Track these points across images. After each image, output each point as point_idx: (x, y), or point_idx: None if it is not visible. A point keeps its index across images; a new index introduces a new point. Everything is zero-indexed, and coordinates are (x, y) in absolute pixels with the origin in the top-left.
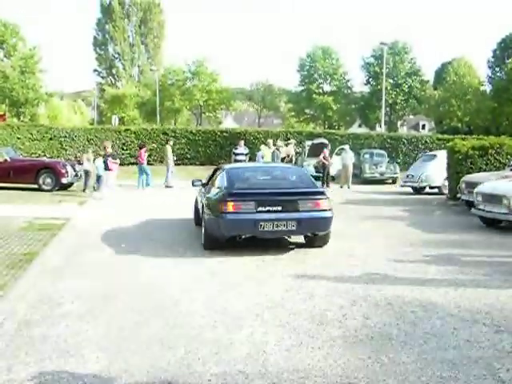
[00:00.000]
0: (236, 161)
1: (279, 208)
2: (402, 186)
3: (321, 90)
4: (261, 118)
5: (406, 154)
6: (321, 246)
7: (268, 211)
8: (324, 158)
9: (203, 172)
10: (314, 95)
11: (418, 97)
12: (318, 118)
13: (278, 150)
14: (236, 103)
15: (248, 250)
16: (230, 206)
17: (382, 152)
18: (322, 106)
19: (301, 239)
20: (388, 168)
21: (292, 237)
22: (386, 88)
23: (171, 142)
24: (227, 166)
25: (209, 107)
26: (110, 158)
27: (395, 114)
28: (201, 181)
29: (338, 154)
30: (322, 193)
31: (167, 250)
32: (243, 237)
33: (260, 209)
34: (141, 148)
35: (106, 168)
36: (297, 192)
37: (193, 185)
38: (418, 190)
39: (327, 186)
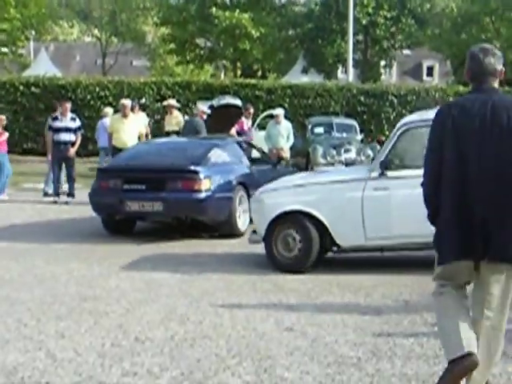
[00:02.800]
0: (56, 143)
1: (144, 186)
2: None
3: (227, 1)
4: (107, 55)
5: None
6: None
7: (133, 190)
8: (239, 134)
9: None
10: (213, 9)
11: (419, 13)
12: (221, 57)
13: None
14: (59, 26)
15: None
16: (99, 183)
17: (351, 122)
18: (231, 31)
19: None
20: (362, 154)
21: None
22: None
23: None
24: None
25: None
26: None
27: (374, 48)
28: None
29: (261, 128)
30: (194, 171)
31: None
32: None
33: (125, 187)
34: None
35: None
36: (165, 169)
37: None
38: None
39: None
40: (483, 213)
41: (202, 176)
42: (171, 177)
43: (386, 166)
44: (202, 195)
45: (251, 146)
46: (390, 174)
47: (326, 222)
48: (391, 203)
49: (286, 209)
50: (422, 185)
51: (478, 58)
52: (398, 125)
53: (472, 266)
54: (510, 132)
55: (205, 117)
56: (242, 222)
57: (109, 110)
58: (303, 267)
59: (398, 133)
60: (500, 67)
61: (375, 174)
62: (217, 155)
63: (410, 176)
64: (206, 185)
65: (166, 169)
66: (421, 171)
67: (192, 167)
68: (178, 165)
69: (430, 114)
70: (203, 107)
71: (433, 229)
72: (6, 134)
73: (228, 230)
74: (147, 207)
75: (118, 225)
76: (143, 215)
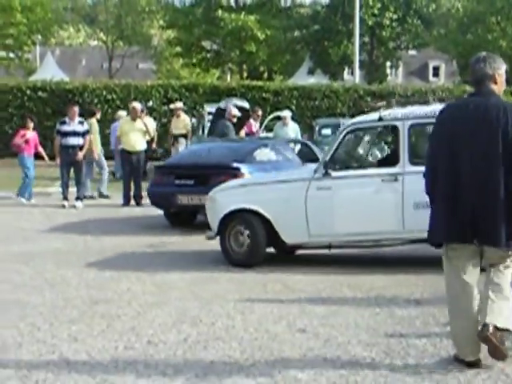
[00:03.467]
0: (64, 147)
1: (192, 182)
2: None
3: (233, 3)
4: (113, 59)
5: None
6: None
7: (184, 185)
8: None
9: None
10: (219, 12)
11: (424, 13)
12: (227, 60)
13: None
14: (64, 30)
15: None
16: (155, 179)
17: None
18: (237, 34)
19: None
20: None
21: None
22: None
23: (98, 115)
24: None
25: (6, 40)
26: None
27: (380, 49)
28: None
29: (269, 130)
30: (237, 168)
31: None
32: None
33: (177, 182)
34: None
35: None
36: (211, 166)
37: None
38: None
39: None
40: (473, 202)
41: (243, 172)
42: (216, 173)
43: (329, 166)
44: None
45: (308, 146)
46: (333, 174)
47: (271, 220)
48: (334, 202)
49: (236, 207)
50: (424, 176)
51: (471, 65)
52: (343, 126)
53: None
54: (497, 128)
55: (235, 120)
56: None
57: (122, 113)
58: (253, 262)
59: (343, 134)
60: (493, 72)
61: (319, 174)
62: (263, 154)
63: (352, 176)
64: None
65: (211, 166)
66: (363, 171)
67: (234, 164)
68: (222, 162)
69: (374, 116)
70: (234, 110)
71: (374, 227)
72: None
73: None
74: (195, 200)
75: (178, 217)
76: (192, 208)
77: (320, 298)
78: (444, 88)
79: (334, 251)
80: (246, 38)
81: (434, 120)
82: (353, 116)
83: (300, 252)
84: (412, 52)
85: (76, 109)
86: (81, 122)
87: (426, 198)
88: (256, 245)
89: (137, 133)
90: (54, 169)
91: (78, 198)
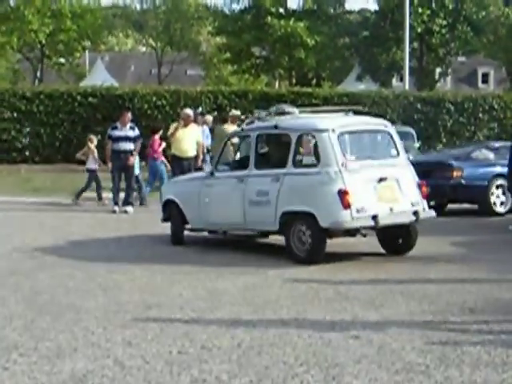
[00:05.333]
0: (116, 152)
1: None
2: None
3: (282, 10)
4: (162, 65)
5: (455, 132)
6: None
7: None
8: None
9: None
10: (268, 18)
11: (475, 20)
12: (277, 65)
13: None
14: (113, 36)
15: None
16: None
17: (408, 130)
18: (286, 40)
19: None
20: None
21: None
22: (412, 3)
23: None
24: None
25: (56, 46)
26: None
27: (430, 55)
28: None
29: None
30: (450, 164)
31: None
32: None
33: None
34: (154, 132)
35: None
36: (432, 162)
37: None
38: None
39: None
40: None
41: (455, 167)
42: (435, 168)
43: (216, 167)
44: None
45: None
46: (216, 174)
47: (182, 209)
48: (211, 197)
49: (166, 197)
50: (506, 177)
51: None
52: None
53: None
54: None
55: None
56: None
57: (209, 117)
58: (174, 242)
59: (224, 141)
60: None
61: (209, 174)
62: (481, 154)
63: (223, 177)
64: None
65: (433, 162)
66: (229, 173)
67: (450, 161)
68: (442, 159)
69: (251, 126)
70: None
71: (231, 219)
72: (163, 144)
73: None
74: None
75: None
76: None
77: (373, 304)
78: (495, 95)
79: (381, 254)
80: (295, 45)
81: (275, 131)
82: (403, 123)
83: (339, 255)
84: (461, 58)
85: (129, 114)
86: (132, 128)
87: (258, 197)
88: (175, 228)
89: (189, 139)
90: (104, 174)
91: (128, 203)
